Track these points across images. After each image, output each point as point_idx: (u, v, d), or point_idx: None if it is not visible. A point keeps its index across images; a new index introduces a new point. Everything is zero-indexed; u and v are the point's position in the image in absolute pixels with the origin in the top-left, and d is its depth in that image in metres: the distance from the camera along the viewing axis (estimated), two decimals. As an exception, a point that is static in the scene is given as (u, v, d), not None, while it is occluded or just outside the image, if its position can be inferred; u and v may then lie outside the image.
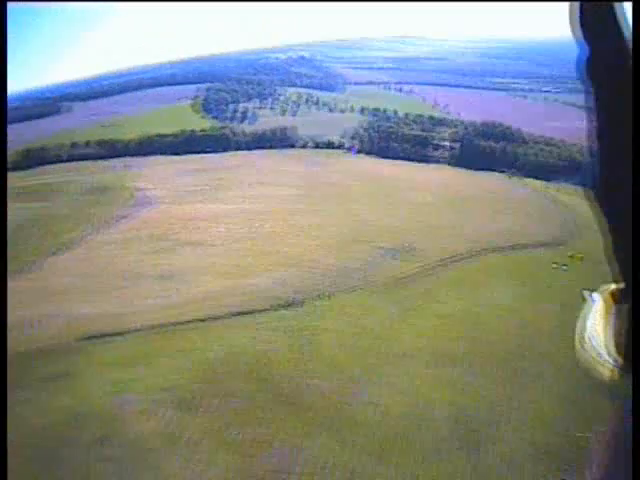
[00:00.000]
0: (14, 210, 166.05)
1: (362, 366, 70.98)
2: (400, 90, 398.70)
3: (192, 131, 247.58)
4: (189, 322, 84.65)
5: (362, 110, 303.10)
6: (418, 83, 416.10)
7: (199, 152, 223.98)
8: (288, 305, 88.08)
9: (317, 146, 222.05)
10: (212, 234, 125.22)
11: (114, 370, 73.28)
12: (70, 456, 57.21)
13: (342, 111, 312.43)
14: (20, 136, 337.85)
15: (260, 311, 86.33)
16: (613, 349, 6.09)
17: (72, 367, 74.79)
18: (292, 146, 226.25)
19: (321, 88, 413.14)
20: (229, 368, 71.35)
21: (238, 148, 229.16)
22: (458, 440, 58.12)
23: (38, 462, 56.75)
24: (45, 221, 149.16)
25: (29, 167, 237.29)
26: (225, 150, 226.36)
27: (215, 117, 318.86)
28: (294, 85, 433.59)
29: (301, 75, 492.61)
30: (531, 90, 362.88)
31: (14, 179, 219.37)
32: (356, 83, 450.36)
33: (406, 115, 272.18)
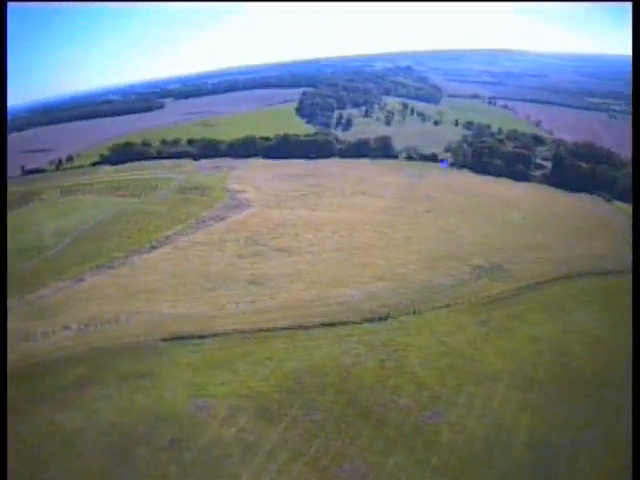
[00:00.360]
0: (108, 204, 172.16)
1: (444, 385, 70.14)
2: (496, 104, 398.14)
3: (293, 135, 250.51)
4: (276, 329, 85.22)
5: (458, 123, 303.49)
6: (514, 99, 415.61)
7: (298, 157, 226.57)
8: (377, 319, 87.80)
9: (414, 157, 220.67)
10: (305, 241, 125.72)
11: (196, 373, 74.43)
12: (141, 456, 58.23)
13: (438, 123, 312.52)
14: (120, 129, 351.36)
15: (348, 323, 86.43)
16: None
17: (154, 367, 76.30)
18: (389, 156, 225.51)
19: (420, 99, 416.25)
20: (313, 379, 71.36)
21: (337, 155, 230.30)
22: (534, 466, 56.96)
23: (108, 459, 58.05)
24: (139, 217, 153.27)
25: (127, 161, 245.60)
26: (324, 156, 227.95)
27: (316, 122, 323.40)
28: (395, 94, 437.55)
29: (402, 84, 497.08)
30: (627, 112, 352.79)
31: (111, 172, 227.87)
32: (453, 95, 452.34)
33: (500, 130, 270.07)
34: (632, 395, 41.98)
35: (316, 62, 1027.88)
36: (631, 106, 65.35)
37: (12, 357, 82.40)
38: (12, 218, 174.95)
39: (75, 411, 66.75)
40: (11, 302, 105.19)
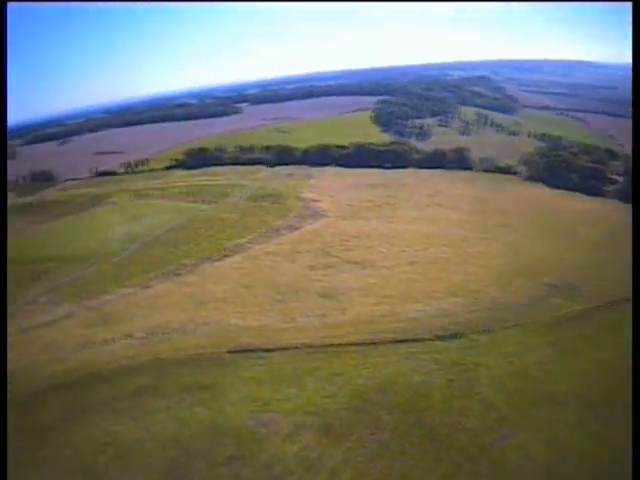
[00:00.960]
0: (179, 210, 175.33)
1: (512, 407, 68.84)
2: (570, 117, 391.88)
3: (369, 144, 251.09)
4: (346, 345, 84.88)
5: (533, 135, 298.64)
6: (586, 111, 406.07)
7: (374, 166, 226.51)
8: (448, 336, 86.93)
9: (489, 169, 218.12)
10: (378, 254, 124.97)
11: (261, 387, 74.63)
12: (198, 471, 58.69)
13: (514, 134, 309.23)
14: (195, 134, 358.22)
15: (420, 340, 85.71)
16: None
17: (218, 379, 76.92)
18: (465, 167, 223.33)
19: (496, 109, 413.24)
20: (381, 397, 70.90)
21: (413, 165, 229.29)
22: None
23: (164, 473, 58.75)
24: (211, 224, 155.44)
25: (200, 166, 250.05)
26: (400, 166, 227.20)
27: (393, 131, 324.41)
28: (470, 104, 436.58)
29: (478, 94, 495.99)
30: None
31: (184, 177, 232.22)
32: (528, 106, 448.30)
33: (573, 143, 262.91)
34: (632, 395, 40.81)
35: (392, 70, 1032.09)
36: (631, 106, 64.81)
37: (70, 365, 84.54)
38: (79, 220, 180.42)
39: (133, 422, 67.83)
40: (72, 307, 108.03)
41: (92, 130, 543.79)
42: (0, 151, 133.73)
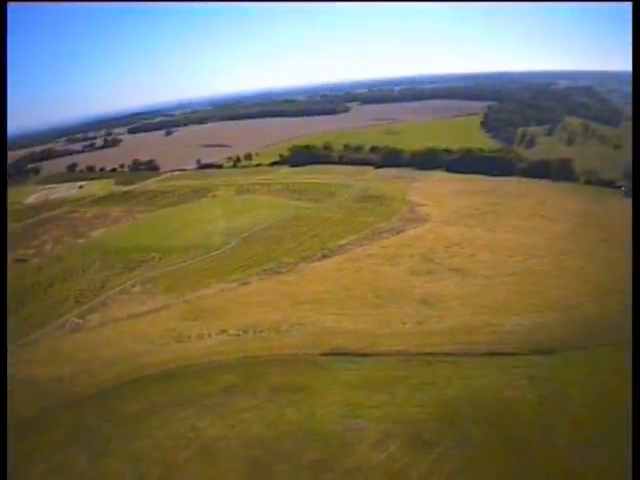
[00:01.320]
0: (282, 206, 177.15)
1: (599, 427, 66.17)
2: None
3: (474, 150, 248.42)
4: (440, 354, 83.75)
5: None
6: None
7: (480, 172, 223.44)
8: (543, 352, 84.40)
9: (593, 182, 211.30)
10: (479, 263, 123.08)
11: (352, 392, 74.16)
12: (281, 473, 58.58)
13: (618, 147, 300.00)
14: (302, 131, 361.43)
15: (515, 354, 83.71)
16: None
17: (309, 381, 76.94)
18: (569, 178, 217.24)
19: (601, 121, 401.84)
20: (472, 410, 69.51)
21: (518, 174, 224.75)
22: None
23: (246, 472, 58.89)
24: (314, 223, 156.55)
25: (306, 164, 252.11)
26: (506, 174, 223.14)
27: (500, 138, 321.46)
28: (576, 114, 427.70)
29: (584, 105, 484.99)
30: None
31: (289, 174, 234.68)
32: (629, 119, 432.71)
33: None
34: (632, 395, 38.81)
35: (501, 75, 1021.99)
36: (631, 107, 62.20)
37: (162, 357, 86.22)
38: (181, 212, 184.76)
39: (219, 419, 68.61)
40: (168, 300, 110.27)
41: (198, 122, 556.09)
42: (0, 151, 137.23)
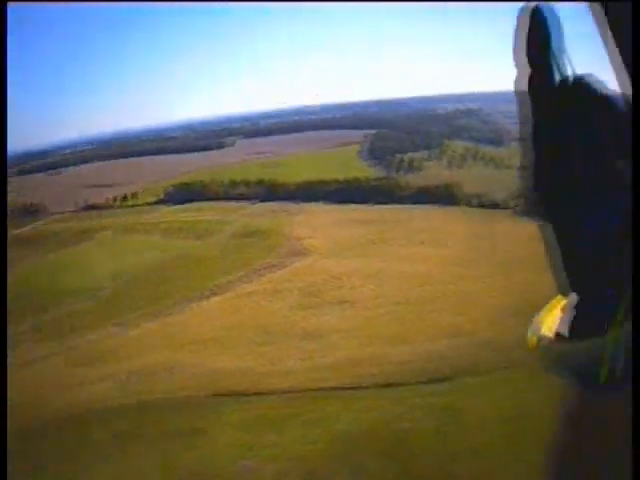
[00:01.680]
0: (164, 246, 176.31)
1: (503, 453, 68.41)
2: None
3: (356, 179, 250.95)
4: (326, 389, 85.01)
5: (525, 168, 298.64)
6: None
7: (361, 202, 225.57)
8: (436, 380, 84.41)
9: (482, 205, 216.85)
10: (364, 294, 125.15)
11: (243, 433, 73.97)
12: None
13: (508, 168, 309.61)
14: (178, 169, 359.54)
15: (404, 384, 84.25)
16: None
17: (200, 424, 76.54)
18: (456, 203, 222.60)
19: (487, 142, 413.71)
20: (367, 444, 67.74)
21: (402, 201, 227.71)
22: None
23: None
24: (194, 262, 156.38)
25: (186, 202, 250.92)
26: (389, 202, 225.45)
27: (380, 166, 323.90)
28: (460, 138, 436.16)
29: (468, 128, 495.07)
30: None
31: (166, 213, 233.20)
32: (521, 139, 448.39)
33: None
34: (632, 395, 42.02)
35: (379, 103, 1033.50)
36: (631, 107, 65.91)
37: (47, 407, 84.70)
38: (63, 256, 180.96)
39: (108, 467, 66.28)
40: (53, 346, 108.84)
41: (76, 163, 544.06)
42: (0, 151, 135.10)
